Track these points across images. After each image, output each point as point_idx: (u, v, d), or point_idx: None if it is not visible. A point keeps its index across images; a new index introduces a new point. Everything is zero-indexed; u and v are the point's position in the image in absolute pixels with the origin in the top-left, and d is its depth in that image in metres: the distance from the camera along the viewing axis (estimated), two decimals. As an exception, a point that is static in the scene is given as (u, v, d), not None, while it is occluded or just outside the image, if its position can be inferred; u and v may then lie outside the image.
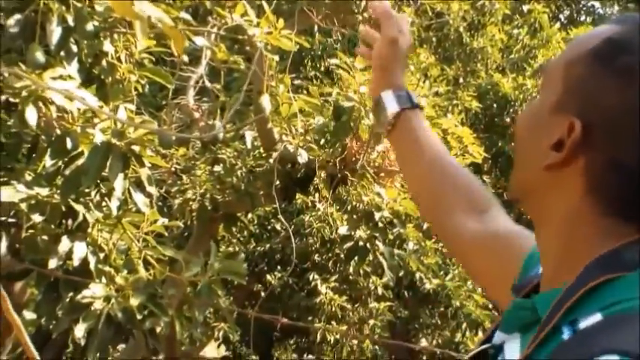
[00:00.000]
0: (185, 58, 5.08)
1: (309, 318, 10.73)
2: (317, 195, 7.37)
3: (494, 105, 12.34)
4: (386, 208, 6.06)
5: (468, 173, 1.70)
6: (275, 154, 5.62)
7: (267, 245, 10.63)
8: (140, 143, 3.78)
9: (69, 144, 3.60)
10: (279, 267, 11.05)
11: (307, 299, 10.82)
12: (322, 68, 10.04)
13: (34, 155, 3.85)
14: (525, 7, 13.27)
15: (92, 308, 3.91)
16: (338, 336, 10.61)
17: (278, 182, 5.68)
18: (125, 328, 4.02)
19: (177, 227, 6.59)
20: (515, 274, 1.37)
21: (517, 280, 1.35)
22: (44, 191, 3.86)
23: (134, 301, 3.99)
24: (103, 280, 4.07)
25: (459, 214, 1.60)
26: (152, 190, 3.97)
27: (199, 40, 4.46)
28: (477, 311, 10.16)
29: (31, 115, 3.39)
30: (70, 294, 3.95)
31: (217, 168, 6.38)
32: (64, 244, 3.93)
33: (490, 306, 10.37)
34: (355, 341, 10.92)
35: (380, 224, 6.11)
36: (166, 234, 4.94)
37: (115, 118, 3.63)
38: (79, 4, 3.56)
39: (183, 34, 4.28)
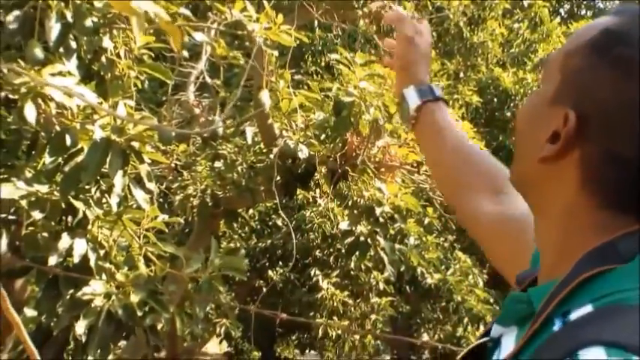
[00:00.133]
0: (185, 54, 5.07)
1: (311, 313, 10.75)
2: (318, 190, 7.37)
3: (495, 99, 12.37)
4: (387, 203, 6.05)
5: (489, 156, 1.72)
6: (275, 150, 5.61)
7: (269, 241, 10.65)
8: (140, 139, 3.77)
9: (68, 140, 3.59)
10: (280, 263, 11.06)
11: (309, 295, 10.84)
12: (322, 63, 10.04)
13: (33, 152, 3.84)
14: (526, 2, 13.29)
15: (92, 305, 3.91)
16: (340, 331, 10.61)
17: (279, 178, 5.67)
18: (126, 325, 4.01)
19: (177, 223, 6.59)
20: (527, 263, 1.37)
21: (525, 270, 1.34)
22: (44, 188, 3.85)
23: (135, 298, 3.98)
24: (104, 276, 4.06)
25: (478, 197, 1.63)
26: (152, 186, 3.96)
27: (199, 36, 4.46)
28: (479, 306, 10.18)
29: (30, 111, 3.38)
30: (71, 291, 3.95)
31: (218, 164, 6.38)
32: (64, 240, 3.92)
33: (491, 300, 10.39)
34: (357, 336, 10.92)
35: (381, 219, 6.10)
36: (167, 230, 4.93)
37: (114, 115, 3.62)
38: (77, 1, 3.55)
39: (183, 30, 4.29)
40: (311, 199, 8.71)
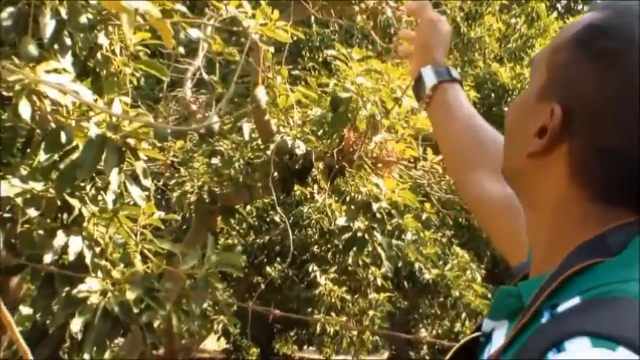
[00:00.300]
0: (182, 51, 5.06)
1: (309, 309, 10.77)
2: (315, 186, 7.37)
3: (492, 94, 12.38)
4: (384, 199, 6.05)
5: (496, 136, 1.72)
6: (273, 146, 5.60)
7: (267, 237, 10.65)
8: (135, 136, 3.76)
9: (63, 138, 3.59)
10: (278, 259, 11.07)
11: (307, 291, 10.86)
12: (319, 59, 10.04)
13: (28, 149, 3.83)
14: (523, -3, 13.29)
15: (88, 302, 3.90)
16: (338, 327, 10.63)
17: (276, 174, 5.67)
18: (122, 323, 4.01)
19: (175, 220, 6.58)
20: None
21: (520, 264, 1.35)
22: (39, 185, 3.85)
23: (131, 295, 3.98)
24: (99, 274, 4.06)
25: (484, 175, 1.64)
26: (148, 183, 3.95)
27: (194, 32, 4.45)
28: (477, 301, 10.20)
29: (24, 109, 3.37)
30: (66, 289, 3.94)
31: (215, 160, 6.38)
32: (60, 238, 3.92)
33: (489, 295, 10.40)
34: (355, 332, 10.94)
35: (378, 215, 6.09)
36: (164, 227, 4.92)
37: (108, 112, 3.61)
38: (72, -2, 3.54)
39: (179, 26, 4.28)
40: (308, 195, 8.71)
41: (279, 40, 4.66)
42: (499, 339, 1.16)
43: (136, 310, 4.01)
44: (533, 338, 1.00)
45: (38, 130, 3.70)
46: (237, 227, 10.42)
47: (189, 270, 4.23)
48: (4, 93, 3.47)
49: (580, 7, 17.10)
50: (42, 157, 3.61)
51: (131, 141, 3.76)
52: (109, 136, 3.65)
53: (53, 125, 3.63)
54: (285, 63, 5.78)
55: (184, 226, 7.77)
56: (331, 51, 5.98)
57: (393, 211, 6.17)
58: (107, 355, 4.16)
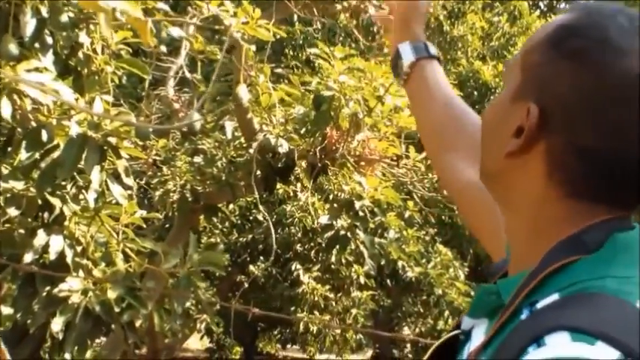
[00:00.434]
0: (164, 49, 5.05)
1: (293, 308, 10.76)
2: (298, 185, 7.37)
3: (475, 92, 12.42)
4: (367, 197, 6.06)
5: (476, 118, 1.71)
6: (255, 144, 5.59)
7: (250, 236, 10.64)
8: (117, 135, 3.76)
9: (44, 136, 3.58)
10: (261, 257, 11.06)
11: (290, 289, 10.85)
12: (303, 57, 10.04)
13: (9, 148, 3.81)
14: (505, -5, 13.34)
15: (69, 302, 3.89)
16: (321, 326, 10.63)
17: (259, 172, 5.67)
18: (103, 322, 3.99)
19: (157, 219, 6.57)
20: None
21: (498, 262, 1.37)
22: (20, 184, 3.84)
23: (112, 294, 3.97)
24: (81, 273, 4.04)
25: (462, 160, 1.63)
26: (130, 181, 3.94)
27: (175, 31, 4.44)
28: (460, 299, 10.22)
29: (5, 108, 3.36)
30: (47, 288, 3.92)
31: (198, 159, 6.37)
32: (41, 237, 3.91)
33: (472, 293, 10.41)
34: (338, 331, 10.94)
35: (361, 213, 6.10)
36: (146, 226, 4.91)
37: (88, 112, 3.60)
38: (53, -4, 3.53)
39: (161, 25, 4.26)
40: (291, 194, 8.71)
41: (261, 38, 4.65)
42: (479, 337, 1.17)
43: (117, 310, 4.00)
44: (513, 335, 1.01)
45: (19, 129, 3.68)
46: (220, 226, 10.40)
47: (172, 269, 4.22)
48: (-15, 92, 3.45)
49: (562, 5, 17.15)
50: (23, 155, 3.60)
51: (113, 140, 3.75)
52: (90, 134, 3.64)
53: (34, 124, 3.62)
54: (268, 61, 5.77)
55: (167, 225, 7.75)
56: (314, 49, 5.98)
57: (375, 209, 6.18)
58: (88, 354, 4.14)
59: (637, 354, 0.90)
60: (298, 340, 13.36)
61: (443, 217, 11.19)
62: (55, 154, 3.68)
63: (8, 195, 3.81)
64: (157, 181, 6.45)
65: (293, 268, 10.53)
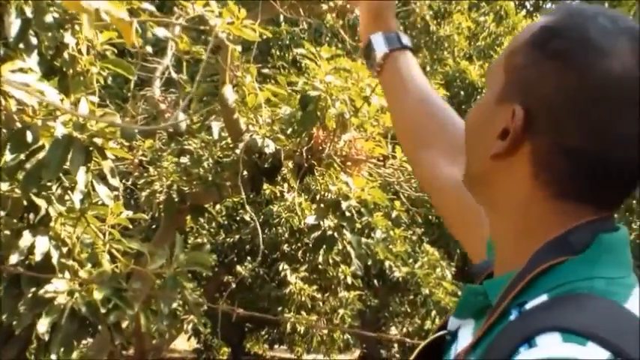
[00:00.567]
0: (150, 50, 5.04)
1: (280, 308, 10.76)
2: (285, 185, 7.36)
3: (462, 92, 12.45)
4: (353, 197, 6.06)
5: (454, 114, 1.70)
6: (242, 145, 5.59)
7: (237, 236, 10.63)
8: (102, 136, 3.75)
9: (29, 137, 3.57)
10: (249, 258, 11.05)
11: (277, 289, 10.84)
12: (289, 58, 10.04)
13: (-6, 149, 3.80)
14: (491, -5, 13.37)
15: (55, 303, 3.88)
16: (308, 326, 10.63)
17: (245, 173, 5.66)
18: (90, 323, 3.99)
19: (143, 220, 6.56)
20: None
21: (489, 247, 1.35)
22: (5, 186, 3.82)
23: (98, 295, 3.96)
24: (67, 274, 4.03)
25: (440, 156, 1.62)
26: (116, 182, 3.94)
27: (161, 32, 4.43)
28: (447, 298, 10.23)
29: (-10, 108, 3.35)
30: (33, 289, 3.91)
31: (184, 159, 6.35)
32: (26, 238, 3.90)
33: (459, 293, 10.42)
34: (325, 331, 10.94)
35: (347, 213, 6.10)
36: (132, 227, 4.90)
37: (72, 113, 3.59)
38: (37, -3, 3.52)
39: (147, 25, 4.26)
40: (278, 194, 8.70)
41: (247, 38, 4.65)
42: (465, 337, 1.17)
43: (103, 311, 3.99)
44: (502, 335, 1.01)
45: (4, 130, 3.67)
46: (207, 226, 10.39)
47: (158, 269, 4.22)
48: (-31, 93, 3.44)
49: (548, 5, 17.20)
50: (8, 157, 3.59)
51: (98, 140, 3.75)
52: (75, 135, 3.63)
53: (19, 125, 3.61)
54: (254, 62, 5.78)
55: (153, 226, 7.73)
56: (300, 49, 5.98)
57: (362, 210, 6.17)
58: (75, 355, 4.13)
59: (627, 355, 0.91)
60: (286, 341, 13.35)
61: (430, 216, 11.22)
62: (41, 155, 3.67)
63: (-7, 196, 3.80)
64: (144, 182, 6.44)
65: (280, 268, 10.52)
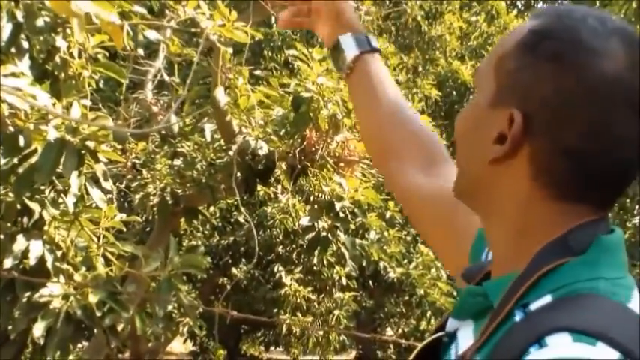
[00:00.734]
0: (142, 52, 5.05)
1: (275, 310, 10.75)
2: (278, 186, 7.37)
3: (454, 92, 12.46)
4: (347, 198, 6.06)
5: (424, 126, 1.68)
6: (235, 147, 5.59)
7: (231, 238, 10.62)
8: (95, 139, 3.75)
9: (22, 142, 3.57)
10: (243, 260, 11.04)
11: (272, 291, 10.84)
12: (281, 59, 10.04)
13: (-14, 154, 3.80)
14: (483, -5, 13.39)
15: (50, 307, 3.88)
16: (304, 327, 10.62)
17: (238, 174, 5.66)
18: (85, 326, 3.99)
19: (137, 222, 6.56)
20: (468, 243, 1.39)
21: (472, 254, 1.37)
22: (-2, 190, 3.83)
23: (93, 298, 3.96)
24: (61, 278, 4.03)
25: (412, 167, 1.59)
26: (109, 185, 3.94)
27: (152, 34, 4.43)
28: (442, 299, 10.22)
29: (-19, 113, 3.35)
30: (28, 293, 3.92)
31: (177, 162, 6.35)
32: (20, 242, 3.90)
33: (454, 293, 10.43)
34: (321, 332, 10.93)
35: (341, 214, 6.10)
36: (126, 230, 4.90)
37: (65, 117, 3.59)
38: (28, 1, 3.51)
39: (138, 28, 4.26)
40: (272, 196, 8.70)
41: (238, 41, 4.65)
42: (466, 338, 1.17)
43: (99, 314, 4.00)
44: (509, 336, 1.01)
45: (-4, 134, 3.67)
46: (201, 228, 10.38)
47: (153, 272, 4.22)
48: (-39, 97, 3.44)
49: (540, 4, 17.22)
50: (1, 161, 3.59)
51: (91, 144, 3.75)
52: (67, 139, 3.63)
53: (11, 129, 3.61)
54: (246, 63, 5.78)
55: (147, 229, 7.74)
56: (292, 51, 5.98)
57: (356, 210, 6.17)
58: (71, 358, 4.13)
59: (635, 355, 0.92)
60: (282, 342, 13.33)
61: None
62: (33, 159, 3.67)
63: (-13, 201, 3.80)
64: (137, 185, 6.44)
65: (275, 270, 10.52)
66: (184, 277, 4.48)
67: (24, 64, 3.59)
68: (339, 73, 1.80)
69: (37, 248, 3.93)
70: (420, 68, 12.42)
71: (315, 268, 9.80)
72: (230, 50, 5.07)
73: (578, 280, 1.03)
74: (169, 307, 4.50)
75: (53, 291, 3.94)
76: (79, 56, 3.96)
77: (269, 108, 5.85)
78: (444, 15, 12.49)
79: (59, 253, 4.10)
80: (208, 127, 6.04)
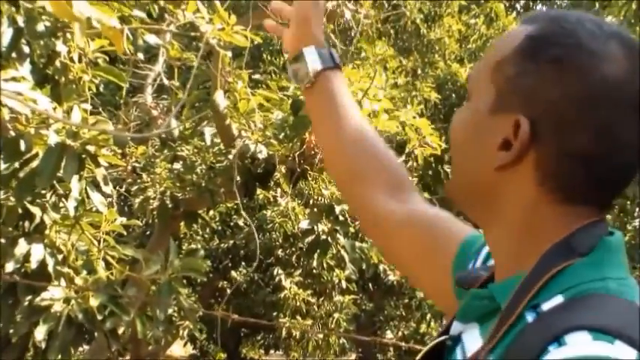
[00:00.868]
0: (141, 57, 5.06)
1: (275, 313, 10.75)
2: (278, 190, 7.37)
3: (454, 95, 12.42)
4: (346, 202, 6.05)
5: (388, 150, 1.63)
6: (234, 150, 5.60)
7: (231, 242, 10.62)
8: (95, 143, 3.76)
9: (23, 146, 3.58)
10: (243, 263, 11.03)
11: (272, 294, 10.83)
12: (280, 63, 10.04)
13: (-12, 159, 3.81)
14: (482, -3, 13.38)
15: (52, 310, 3.89)
16: (304, 331, 10.61)
17: (238, 178, 5.66)
18: (86, 330, 4.00)
19: (137, 226, 6.57)
20: (449, 259, 1.38)
21: (455, 268, 1.36)
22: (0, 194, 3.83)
23: (94, 302, 3.97)
24: (62, 281, 4.04)
25: (379, 192, 1.55)
26: (109, 189, 3.95)
27: (152, 39, 4.45)
28: (441, 301, 10.19)
29: (-17, 118, 3.36)
30: (29, 297, 3.92)
31: (177, 165, 6.36)
32: (22, 246, 3.91)
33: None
34: (321, 335, 10.92)
35: (341, 217, 6.11)
36: (127, 233, 4.91)
37: (65, 122, 3.60)
38: (29, 5, 3.52)
39: (138, 32, 4.27)
40: (271, 199, 8.70)
41: (237, 44, 4.66)
42: (472, 341, 1.17)
43: (99, 317, 4.01)
44: (524, 336, 1.01)
45: (-3, 139, 3.69)
46: (201, 232, 10.39)
47: (153, 276, 4.23)
48: (-38, 102, 3.45)
49: (539, 7, 17.20)
50: (1, 165, 3.60)
51: (91, 148, 3.76)
52: (68, 143, 3.64)
53: (12, 133, 3.62)
54: (246, 67, 5.78)
55: (147, 232, 7.75)
56: (291, 55, 5.98)
57: (355, 213, 6.16)
58: (72, 361, 4.14)
59: None
60: (281, 346, 13.31)
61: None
62: (34, 164, 3.68)
63: (-12, 205, 3.81)
64: (137, 189, 6.44)
65: (274, 273, 10.51)
66: (184, 281, 4.50)
67: (24, 69, 3.60)
68: (295, 84, 1.76)
69: (38, 252, 3.94)
70: (419, 71, 12.40)
71: (314, 271, 9.79)
72: (229, 54, 5.07)
73: (588, 281, 1.04)
74: (170, 311, 4.51)
75: (54, 295, 3.95)
76: (80, 60, 3.97)
77: (269, 111, 5.85)
78: (443, 18, 12.47)
79: (60, 257, 4.11)
80: (208, 131, 6.05)
